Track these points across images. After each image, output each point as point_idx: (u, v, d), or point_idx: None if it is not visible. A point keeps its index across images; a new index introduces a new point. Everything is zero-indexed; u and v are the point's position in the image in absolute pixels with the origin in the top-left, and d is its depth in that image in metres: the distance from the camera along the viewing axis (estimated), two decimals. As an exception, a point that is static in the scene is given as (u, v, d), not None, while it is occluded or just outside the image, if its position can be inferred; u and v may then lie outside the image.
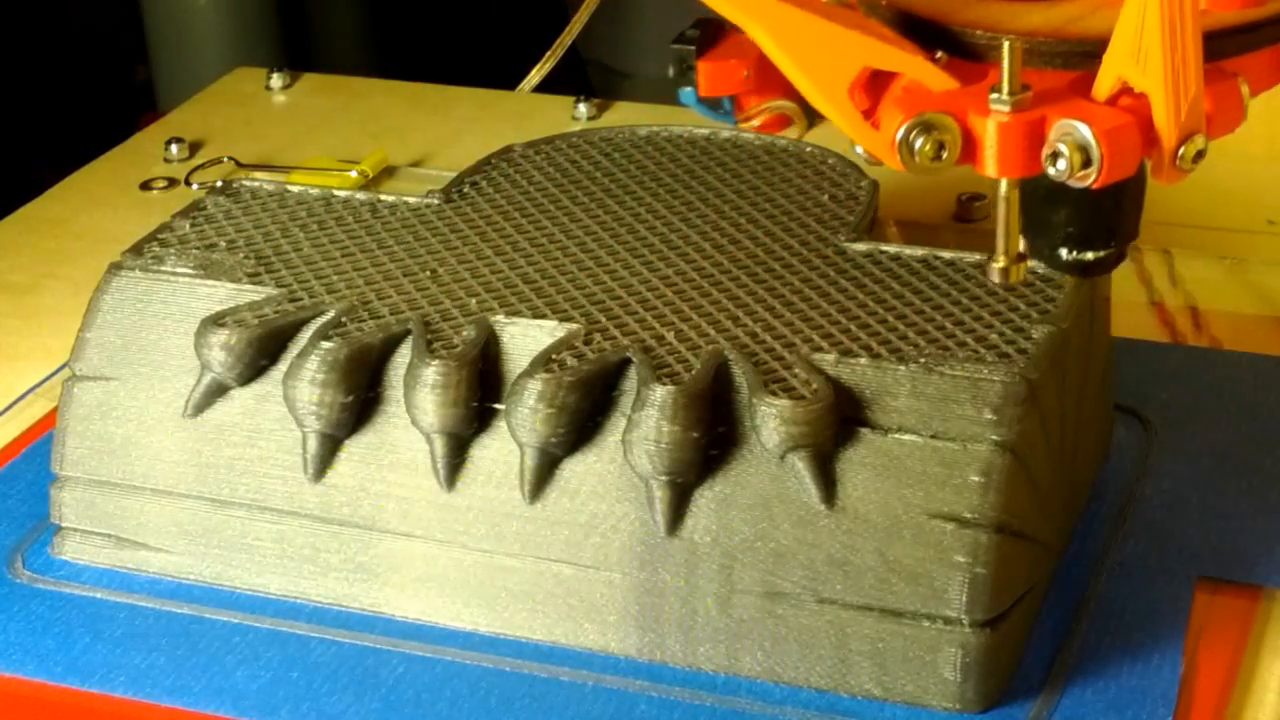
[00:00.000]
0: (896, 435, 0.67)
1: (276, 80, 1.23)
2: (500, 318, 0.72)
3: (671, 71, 1.09)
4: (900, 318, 0.72)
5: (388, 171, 1.11)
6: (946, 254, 0.76)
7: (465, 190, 0.83)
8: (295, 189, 0.83)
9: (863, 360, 0.69)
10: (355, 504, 0.72)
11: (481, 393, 0.70)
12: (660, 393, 0.67)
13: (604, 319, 0.72)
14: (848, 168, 0.84)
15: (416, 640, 0.71)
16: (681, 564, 0.69)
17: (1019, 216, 0.64)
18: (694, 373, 0.69)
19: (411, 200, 0.82)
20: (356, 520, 0.72)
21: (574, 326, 0.72)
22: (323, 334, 0.71)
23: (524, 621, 0.71)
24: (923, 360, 0.69)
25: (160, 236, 0.79)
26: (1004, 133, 0.61)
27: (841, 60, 0.64)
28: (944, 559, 0.66)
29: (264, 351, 0.73)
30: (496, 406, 0.70)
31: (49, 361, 0.91)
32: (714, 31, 1.10)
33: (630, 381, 0.70)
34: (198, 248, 0.78)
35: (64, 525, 0.76)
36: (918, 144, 0.62)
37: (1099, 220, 0.66)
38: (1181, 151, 0.61)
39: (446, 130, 1.16)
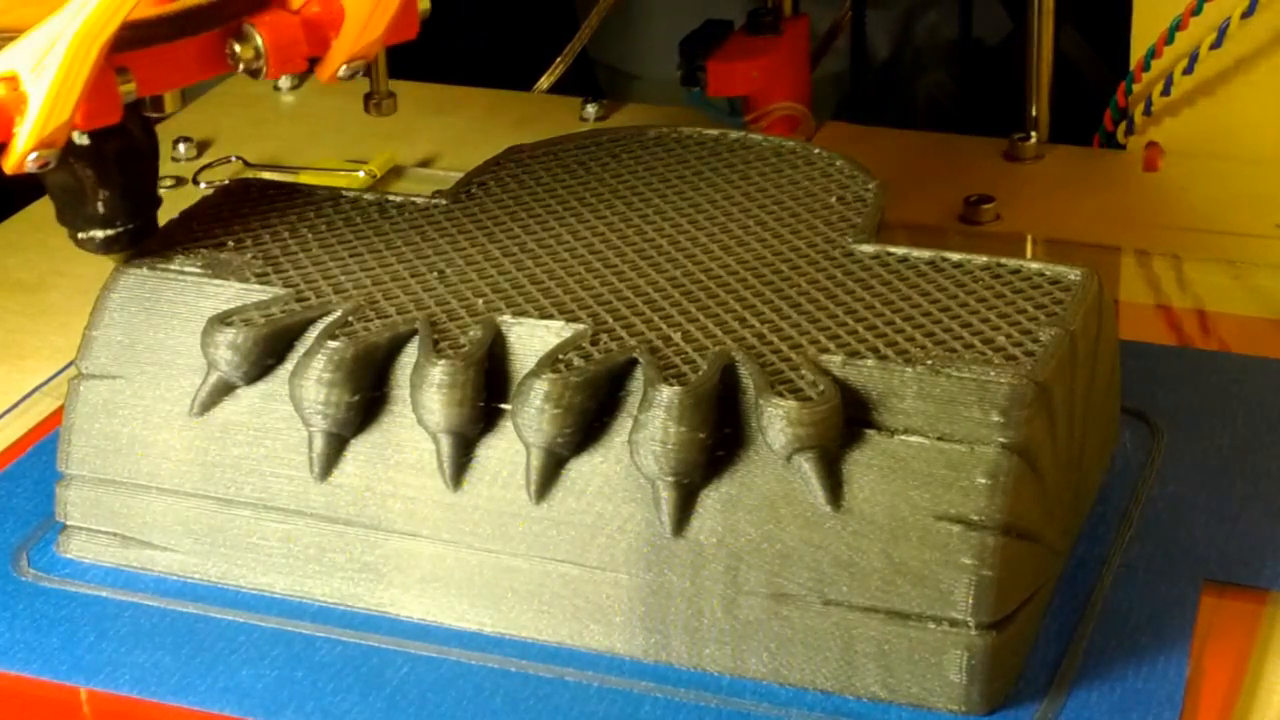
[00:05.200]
0: (903, 437, 0.67)
1: (285, 80, 1.23)
2: (507, 318, 0.72)
3: (680, 73, 1.09)
4: (907, 319, 0.72)
5: (395, 172, 1.11)
6: (954, 256, 0.76)
7: (473, 191, 0.83)
8: (303, 189, 0.83)
9: (869, 362, 0.69)
10: (361, 503, 0.72)
11: (488, 393, 0.70)
12: (666, 393, 0.67)
13: (611, 319, 0.72)
14: (855, 170, 0.84)
15: (422, 640, 0.71)
16: (687, 565, 0.69)
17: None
18: (700, 374, 0.69)
19: (419, 200, 0.82)
20: (362, 520, 0.72)
21: (581, 327, 0.72)
22: (329, 333, 0.71)
23: (529, 622, 0.71)
24: (930, 362, 0.69)
25: (168, 235, 0.79)
26: None
27: None
28: (950, 561, 0.66)
29: (271, 351, 0.73)
30: (503, 406, 0.70)
31: (55, 359, 0.91)
32: (722, 33, 1.11)
33: (637, 382, 0.69)
34: (205, 247, 0.78)
35: (69, 523, 0.76)
36: None
37: (103, 206, 0.76)
38: (33, 156, 0.67)
39: (454, 131, 1.16)
